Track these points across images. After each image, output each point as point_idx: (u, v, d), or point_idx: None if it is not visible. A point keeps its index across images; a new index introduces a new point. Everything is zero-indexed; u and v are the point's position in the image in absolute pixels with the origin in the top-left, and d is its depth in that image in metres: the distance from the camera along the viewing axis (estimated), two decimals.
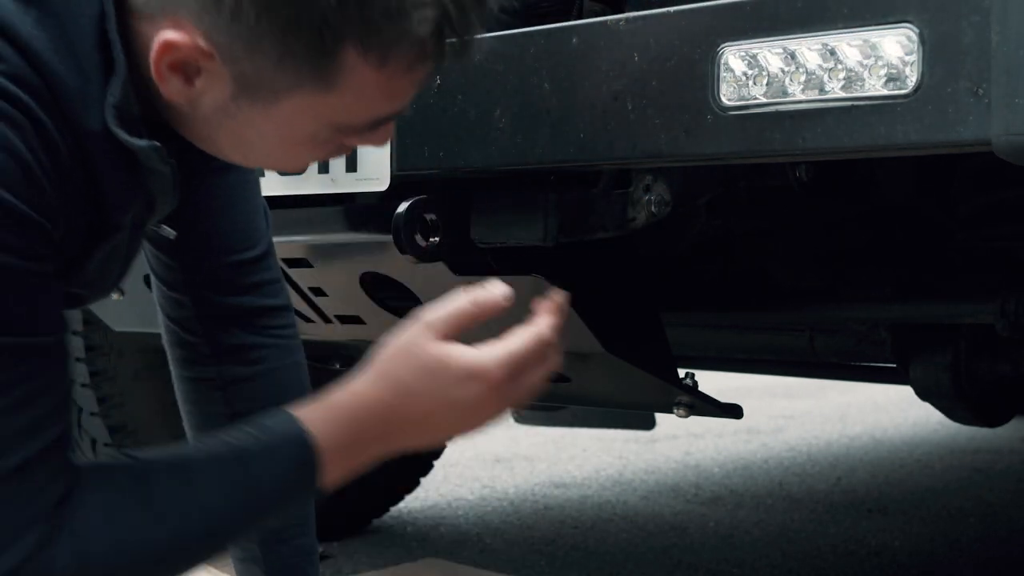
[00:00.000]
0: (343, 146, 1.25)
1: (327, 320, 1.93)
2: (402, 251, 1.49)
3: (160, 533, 1.19)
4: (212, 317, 1.59)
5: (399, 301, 1.83)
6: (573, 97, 1.33)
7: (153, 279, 1.59)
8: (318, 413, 1.25)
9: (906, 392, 2.06)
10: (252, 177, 1.58)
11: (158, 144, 1.18)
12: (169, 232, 1.33)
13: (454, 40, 1.15)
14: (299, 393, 1.63)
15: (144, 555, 1.19)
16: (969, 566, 2.70)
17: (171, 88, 1.16)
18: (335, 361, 2.22)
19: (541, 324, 1.27)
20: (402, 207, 1.48)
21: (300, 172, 1.37)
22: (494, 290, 1.25)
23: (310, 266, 1.81)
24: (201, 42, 1.13)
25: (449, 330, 1.24)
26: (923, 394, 1.89)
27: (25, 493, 1.13)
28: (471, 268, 1.62)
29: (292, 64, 1.13)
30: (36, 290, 1.12)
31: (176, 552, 1.22)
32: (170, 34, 1.12)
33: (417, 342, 1.24)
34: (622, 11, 1.35)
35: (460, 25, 1.15)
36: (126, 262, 1.33)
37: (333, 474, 1.25)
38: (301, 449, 1.23)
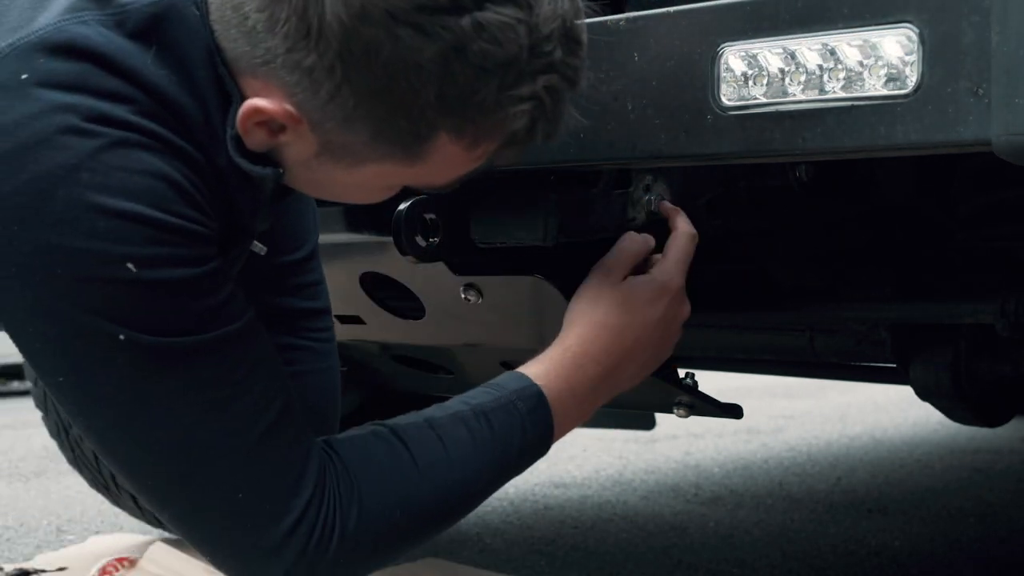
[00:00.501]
0: None
1: None
2: (402, 251, 1.49)
3: (426, 491, 1.27)
4: None
5: (399, 301, 1.83)
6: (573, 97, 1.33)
7: None
8: (541, 368, 1.36)
9: (906, 392, 2.06)
10: None
11: (281, 170, 1.22)
12: (260, 248, 1.37)
13: (544, 128, 1.19)
14: (329, 397, 1.65)
15: (415, 512, 1.27)
16: (969, 566, 2.70)
17: (254, 140, 1.19)
18: None
19: (679, 224, 1.45)
20: (402, 207, 1.48)
21: None
22: (639, 238, 1.43)
23: None
24: (291, 109, 1.15)
25: (625, 269, 1.41)
26: (923, 394, 1.89)
27: (279, 457, 1.21)
28: (471, 268, 1.62)
29: (383, 143, 1.16)
30: (212, 289, 1.18)
31: (441, 508, 1.29)
32: (259, 101, 1.15)
33: (604, 285, 1.40)
34: (622, 11, 1.35)
35: (554, 114, 1.19)
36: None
37: (566, 423, 1.37)
38: (536, 400, 1.33)
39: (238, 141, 1.19)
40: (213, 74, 1.18)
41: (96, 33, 1.13)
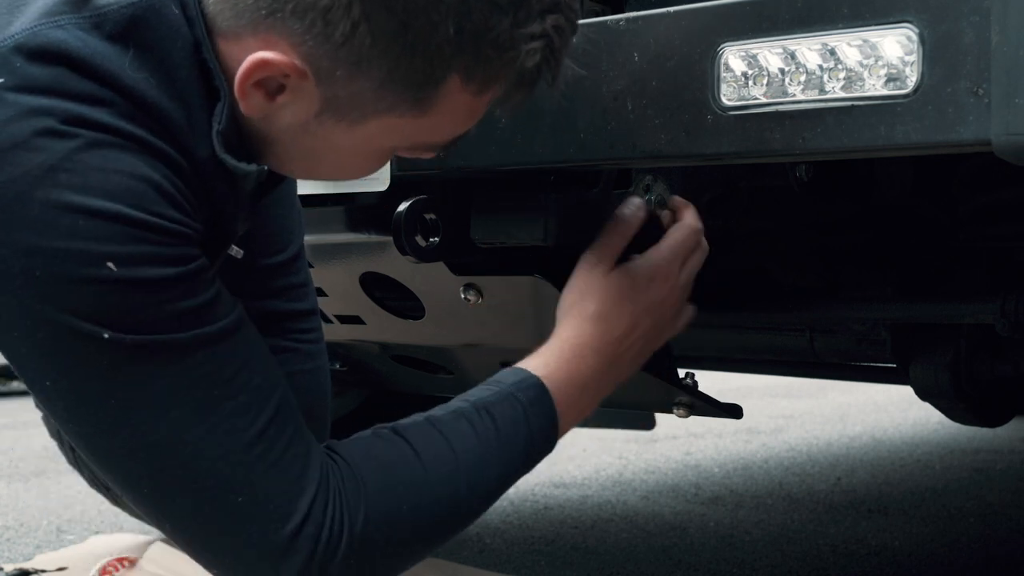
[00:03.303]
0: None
1: (327, 320, 1.93)
2: (402, 251, 1.49)
3: (434, 486, 1.25)
4: None
5: (399, 301, 1.83)
6: (573, 97, 1.33)
7: None
8: (539, 360, 1.35)
9: (906, 392, 2.06)
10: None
11: (264, 168, 1.21)
12: (237, 251, 1.36)
13: (550, 69, 1.19)
14: (319, 397, 1.65)
15: (425, 509, 1.25)
16: (969, 566, 2.70)
17: (251, 103, 1.17)
18: (335, 361, 2.22)
19: (685, 216, 1.45)
20: (402, 207, 1.48)
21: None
22: (626, 211, 1.43)
23: (310, 266, 1.81)
24: (297, 62, 1.14)
25: (612, 257, 1.40)
26: (923, 394, 1.89)
27: (277, 456, 1.18)
28: (471, 268, 1.62)
29: (392, 90, 1.16)
30: (195, 288, 1.16)
31: (450, 505, 1.27)
32: (265, 54, 1.14)
33: (592, 275, 1.40)
34: (622, 11, 1.35)
35: (559, 55, 1.19)
36: None
37: (570, 414, 1.35)
38: (537, 391, 1.32)
39: (225, 137, 1.18)
40: (196, 72, 1.17)
41: (73, 37, 1.12)
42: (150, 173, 1.12)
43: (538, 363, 1.35)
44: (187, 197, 1.16)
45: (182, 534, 1.22)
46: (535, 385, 1.33)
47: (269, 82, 1.16)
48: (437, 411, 1.30)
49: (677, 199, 1.47)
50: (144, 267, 1.11)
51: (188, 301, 1.15)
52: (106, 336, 1.11)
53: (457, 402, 1.31)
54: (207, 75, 1.18)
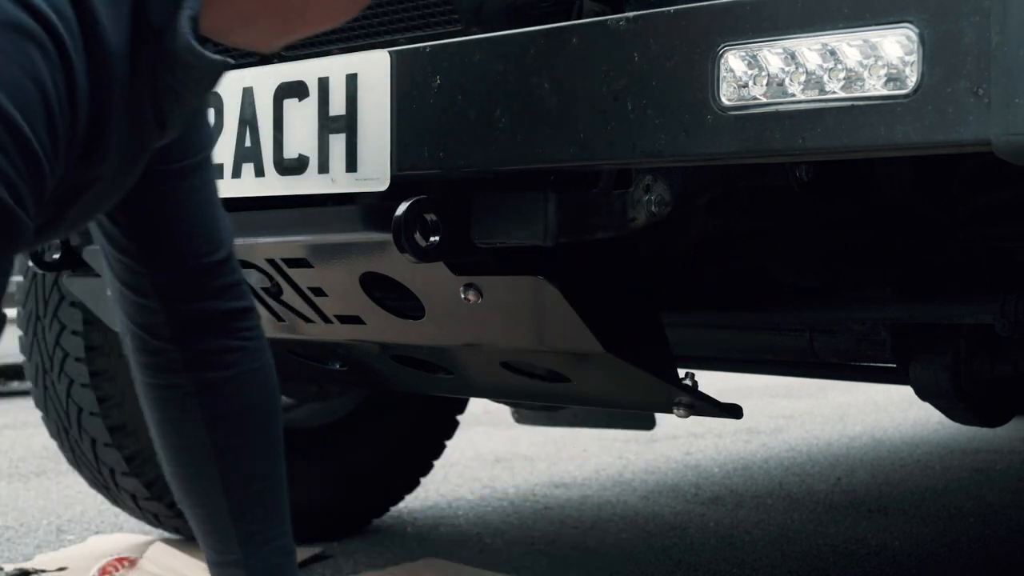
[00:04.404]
0: None
1: (327, 320, 1.93)
2: (402, 251, 1.49)
3: None
4: (182, 322, 1.57)
5: (399, 301, 1.83)
6: (573, 97, 1.33)
7: (118, 286, 1.57)
8: None
9: (906, 392, 2.06)
10: (212, 179, 1.58)
11: (231, 60, 1.18)
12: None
13: None
14: (269, 396, 1.63)
15: None
16: (969, 566, 2.70)
17: None
18: (335, 361, 2.21)
19: None
20: (402, 207, 1.48)
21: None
22: None
23: (310, 266, 1.81)
24: None
25: None
26: (923, 394, 1.89)
27: None
28: (471, 268, 1.62)
29: None
30: (11, 238, 1.05)
31: None
32: None
33: None
34: (622, 11, 1.35)
35: None
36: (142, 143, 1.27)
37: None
38: None
39: (195, 24, 1.14)
40: None
41: None
42: (47, 83, 1.03)
43: None
44: (65, 125, 1.06)
45: None
46: None
47: None
48: None
49: None
50: None
51: None
52: None
53: None
54: None
